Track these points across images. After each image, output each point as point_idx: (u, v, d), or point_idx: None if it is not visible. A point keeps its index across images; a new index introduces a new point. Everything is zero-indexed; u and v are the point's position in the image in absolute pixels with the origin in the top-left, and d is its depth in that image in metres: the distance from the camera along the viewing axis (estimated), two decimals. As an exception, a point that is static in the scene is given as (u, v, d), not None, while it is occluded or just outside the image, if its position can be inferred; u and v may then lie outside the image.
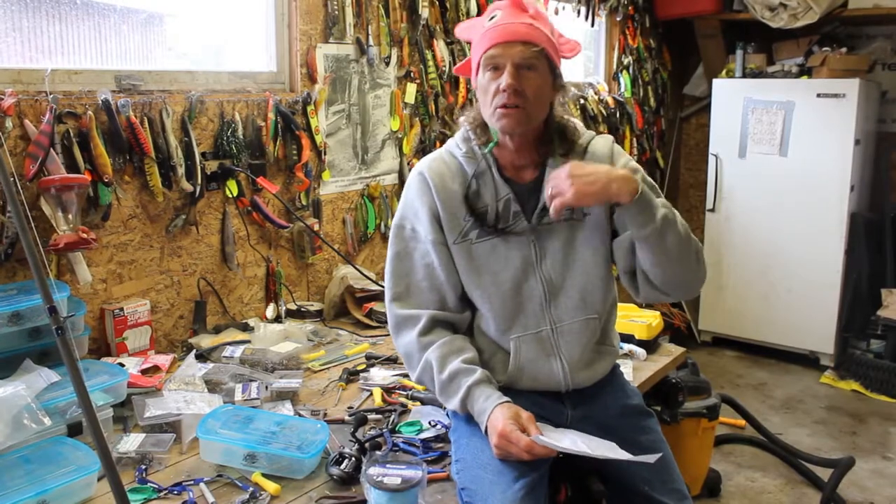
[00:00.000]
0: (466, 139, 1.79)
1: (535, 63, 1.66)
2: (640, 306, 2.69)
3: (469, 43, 1.83)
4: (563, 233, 1.76)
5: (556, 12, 4.12)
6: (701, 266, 1.73)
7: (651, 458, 1.55)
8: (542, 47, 1.66)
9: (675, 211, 1.67)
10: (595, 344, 1.81)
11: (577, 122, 1.85)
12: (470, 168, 1.76)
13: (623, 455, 1.58)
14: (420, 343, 1.72)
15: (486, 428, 1.61)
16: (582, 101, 4.37)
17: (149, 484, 1.65)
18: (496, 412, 1.59)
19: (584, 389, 1.82)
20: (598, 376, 1.84)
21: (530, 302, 1.75)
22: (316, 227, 2.89)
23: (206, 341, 2.42)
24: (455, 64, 3.38)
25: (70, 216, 2.08)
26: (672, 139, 5.60)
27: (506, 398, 1.63)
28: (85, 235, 2.09)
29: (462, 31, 1.84)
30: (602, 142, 1.82)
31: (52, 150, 2.05)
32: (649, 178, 1.72)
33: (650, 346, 2.57)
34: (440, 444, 1.88)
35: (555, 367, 1.76)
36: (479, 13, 3.47)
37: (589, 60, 4.90)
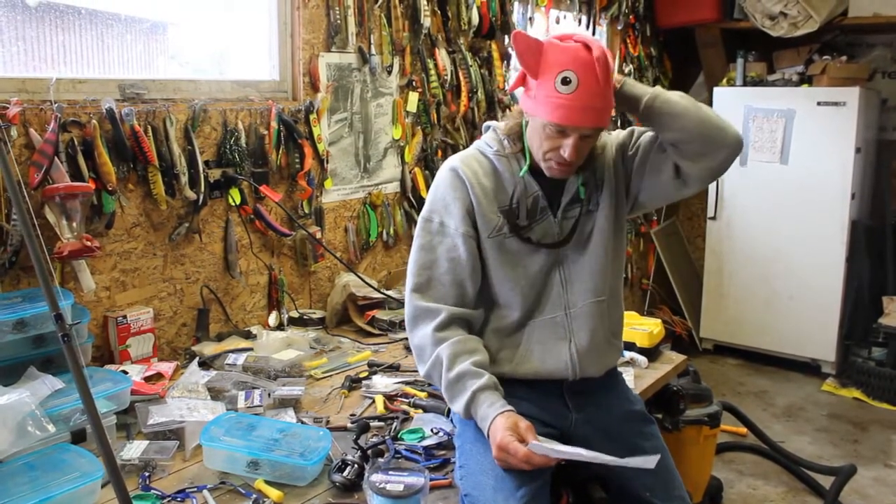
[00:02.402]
0: (499, 140, 1.84)
1: (598, 131, 1.74)
2: (641, 312, 2.68)
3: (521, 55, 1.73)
4: (581, 225, 1.84)
5: (558, 21, 4.14)
6: (720, 119, 1.75)
7: (650, 462, 1.55)
8: (606, 126, 1.73)
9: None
10: (605, 333, 1.86)
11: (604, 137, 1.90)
12: (502, 166, 1.82)
13: (621, 462, 1.57)
14: (435, 337, 1.73)
15: (488, 435, 1.62)
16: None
17: (152, 491, 1.66)
18: (497, 421, 1.60)
19: (586, 393, 1.83)
20: (604, 369, 1.88)
21: (553, 289, 1.82)
22: (318, 235, 2.90)
23: (208, 349, 2.42)
24: (456, 72, 3.40)
25: (74, 224, 2.09)
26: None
27: (508, 407, 1.63)
28: (89, 243, 2.10)
29: (522, 54, 1.68)
30: (604, 136, 1.91)
31: (56, 158, 2.06)
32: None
33: (651, 353, 2.58)
34: (442, 452, 1.88)
35: (564, 352, 1.80)
36: (481, 22, 3.48)
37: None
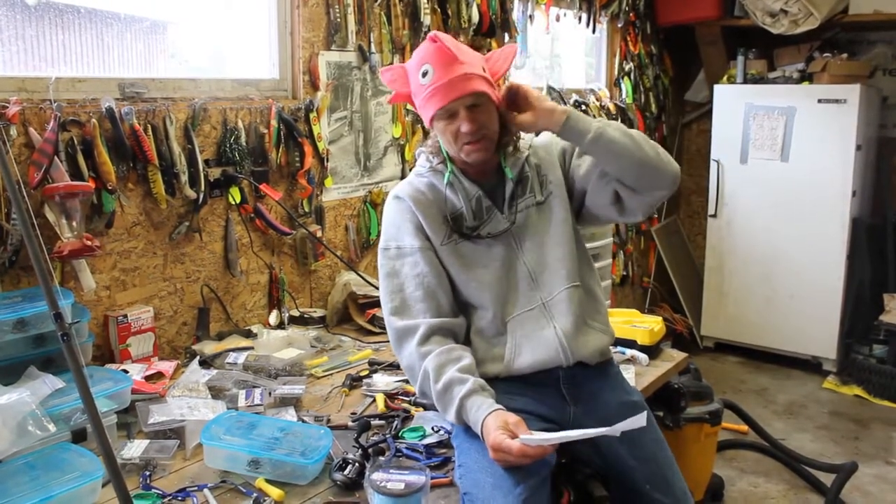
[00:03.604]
0: (428, 159, 1.95)
1: (482, 99, 1.79)
2: (641, 310, 2.68)
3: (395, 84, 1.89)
4: (534, 218, 1.91)
5: (558, 19, 4.13)
6: (661, 153, 1.83)
7: (640, 420, 1.54)
8: (484, 91, 1.78)
9: (620, 124, 1.84)
10: (585, 317, 1.90)
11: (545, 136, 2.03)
12: (438, 181, 1.91)
13: (611, 429, 1.57)
14: (419, 352, 1.76)
15: (483, 438, 1.63)
16: (583, 107, 4.38)
17: (153, 490, 1.66)
18: (487, 423, 1.62)
19: (582, 385, 1.84)
20: (596, 352, 1.89)
21: (520, 283, 1.88)
22: (318, 234, 2.90)
23: (209, 348, 2.42)
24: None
25: (74, 223, 2.09)
26: (674, 145, 5.61)
27: (496, 406, 1.64)
28: (89, 243, 2.10)
29: (393, 82, 1.88)
30: (540, 136, 2.03)
31: (56, 157, 2.06)
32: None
33: (652, 351, 2.57)
34: (443, 450, 1.88)
35: (551, 337, 1.82)
36: (481, 20, 3.48)
37: (590, 67, 4.91)
